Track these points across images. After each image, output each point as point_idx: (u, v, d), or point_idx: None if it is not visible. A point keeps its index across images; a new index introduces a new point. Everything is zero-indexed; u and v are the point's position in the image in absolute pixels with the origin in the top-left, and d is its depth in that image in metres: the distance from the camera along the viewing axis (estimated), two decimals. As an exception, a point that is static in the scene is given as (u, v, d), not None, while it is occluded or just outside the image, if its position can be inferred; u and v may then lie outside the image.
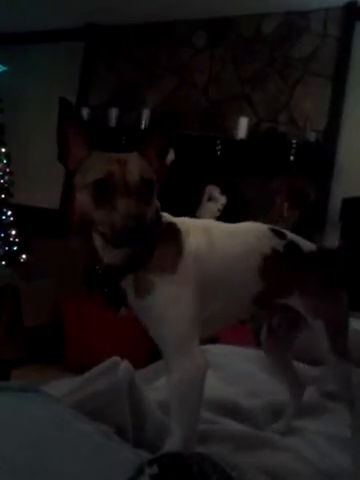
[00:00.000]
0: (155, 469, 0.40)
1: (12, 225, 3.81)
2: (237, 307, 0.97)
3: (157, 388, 1.28)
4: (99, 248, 0.85)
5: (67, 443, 0.47)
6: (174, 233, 0.86)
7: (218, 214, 3.25)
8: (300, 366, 1.36)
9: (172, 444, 0.77)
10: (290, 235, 1.02)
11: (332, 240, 3.11)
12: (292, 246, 1.00)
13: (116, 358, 1.00)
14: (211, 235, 0.90)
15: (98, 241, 0.84)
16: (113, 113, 3.79)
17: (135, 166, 0.79)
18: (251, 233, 0.97)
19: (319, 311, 0.97)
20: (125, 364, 0.98)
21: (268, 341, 1.13)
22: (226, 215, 3.18)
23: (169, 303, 0.81)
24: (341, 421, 1.24)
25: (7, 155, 3.87)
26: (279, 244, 0.97)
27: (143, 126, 3.68)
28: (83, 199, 0.79)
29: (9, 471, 0.43)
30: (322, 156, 3.17)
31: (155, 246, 0.82)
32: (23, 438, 0.49)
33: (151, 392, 1.20)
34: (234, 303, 0.94)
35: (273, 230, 1.00)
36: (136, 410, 0.94)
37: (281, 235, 1.00)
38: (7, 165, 3.85)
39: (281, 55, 3.48)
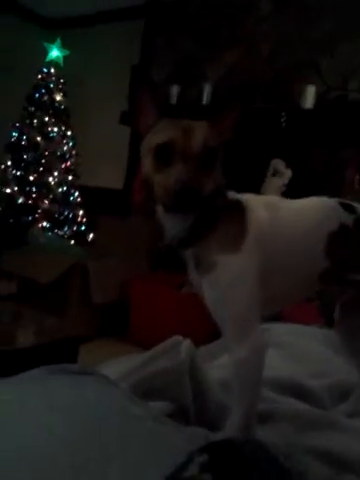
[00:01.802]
0: (205, 457, 0.38)
1: (79, 205, 3.95)
2: (302, 285, 0.93)
3: (219, 365, 1.26)
4: (161, 218, 0.85)
5: (119, 428, 0.47)
6: (239, 210, 0.84)
7: (284, 189, 3.14)
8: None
9: (232, 424, 0.76)
10: None
11: None
12: None
13: (178, 337, 1.00)
14: (276, 212, 0.87)
15: (160, 210, 0.84)
16: (174, 90, 3.75)
17: (200, 134, 0.78)
18: (316, 208, 0.93)
19: None
20: (187, 343, 0.98)
21: (341, 319, 1.07)
22: (292, 190, 3.06)
23: (231, 283, 0.79)
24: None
25: (73, 138, 3.98)
26: (349, 218, 0.92)
27: (204, 102, 3.61)
28: (146, 163, 0.80)
29: (67, 454, 0.44)
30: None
31: (217, 221, 0.81)
32: (79, 422, 0.50)
33: (213, 369, 1.19)
34: (298, 281, 0.91)
35: (343, 204, 0.94)
36: (197, 389, 0.93)
37: (351, 209, 0.94)
38: (73, 147, 3.97)
39: (351, 17, 3.24)
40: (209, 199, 0.78)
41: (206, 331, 3.07)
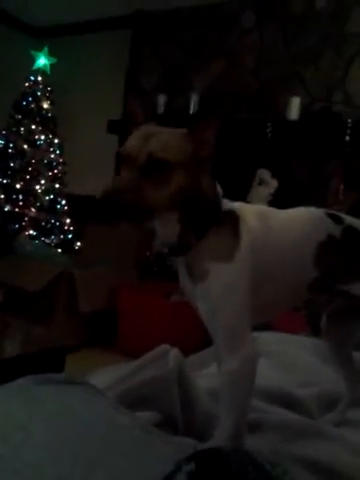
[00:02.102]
0: (192, 466, 0.39)
1: (66, 214, 3.93)
2: (291, 294, 0.94)
3: (208, 374, 1.27)
4: (155, 224, 0.84)
5: (105, 437, 0.47)
6: (232, 219, 0.84)
7: (270, 198, 3.18)
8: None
9: (221, 434, 0.77)
10: (349, 219, 0.97)
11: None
12: (351, 231, 0.95)
13: (166, 346, 1.00)
14: (267, 222, 0.88)
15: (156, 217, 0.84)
16: (161, 99, 3.78)
17: (155, 143, 0.76)
18: (306, 219, 0.94)
19: None
20: (175, 352, 0.98)
21: (328, 328, 1.09)
22: (278, 199, 3.10)
23: (223, 292, 0.80)
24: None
25: (60, 146, 3.98)
26: (336, 229, 0.93)
27: (191, 111, 3.64)
28: None
29: (52, 463, 0.44)
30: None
31: (209, 229, 0.81)
32: (65, 432, 0.50)
33: (202, 378, 1.19)
34: (288, 290, 0.92)
35: (330, 215, 0.96)
36: (185, 399, 0.94)
37: (338, 220, 0.96)
38: (60, 155, 3.96)
39: (335, 31, 3.31)
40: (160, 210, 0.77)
41: (195, 340, 3.08)
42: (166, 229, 0.82)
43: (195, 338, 3.05)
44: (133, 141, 0.78)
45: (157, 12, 4.03)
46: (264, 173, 3.23)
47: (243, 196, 3.23)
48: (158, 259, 3.62)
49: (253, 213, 0.88)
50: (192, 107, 3.64)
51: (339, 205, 2.65)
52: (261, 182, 3.23)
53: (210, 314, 0.81)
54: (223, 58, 3.74)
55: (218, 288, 0.79)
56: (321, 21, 3.36)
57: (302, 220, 0.93)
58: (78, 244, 3.88)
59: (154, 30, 4.10)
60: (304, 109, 3.25)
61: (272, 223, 0.89)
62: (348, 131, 2.97)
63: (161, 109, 3.79)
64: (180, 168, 0.77)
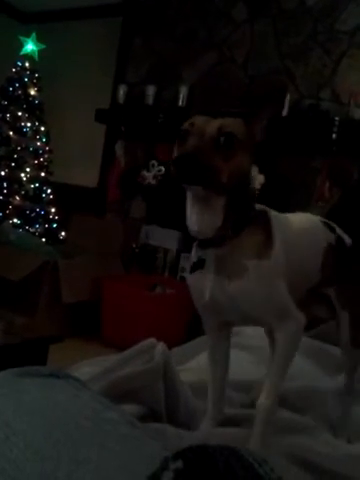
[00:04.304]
0: (180, 464, 0.39)
1: (51, 203, 3.89)
2: (297, 297, 0.97)
3: (190, 368, 1.28)
4: (187, 210, 0.83)
5: (91, 433, 0.47)
6: (264, 219, 0.86)
7: (256, 194, 3.19)
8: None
9: (271, 392, 0.84)
10: (337, 228, 1.05)
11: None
12: (340, 240, 1.03)
13: (152, 340, 1.01)
14: (290, 227, 0.91)
15: (187, 200, 0.83)
16: (150, 90, 3.75)
17: (220, 121, 0.79)
18: (315, 227, 1.00)
19: (347, 303, 1.02)
20: (161, 346, 0.98)
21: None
22: (264, 195, 3.12)
23: (264, 286, 0.82)
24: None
25: (46, 133, 3.93)
26: (332, 238, 1.01)
27: (180, 104, 3.63)
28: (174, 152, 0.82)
29: (35, 460, 0.44)
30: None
31: (246, 226, 0.82)
32: (48, 427, 0.49)
33: (184, 373, 1.20)
34: (297, 294, 0.95)
35: (325, 223, 1.03)
36: (170, 393, 0.94)
37: (332, 228, 1.03)
38: (46, 143, 3.91)
39: (325, 28, 3.32)
40: (232, 190, 0.78)
41: (178, 332, 3.10)
42: (207, 216, 0.80)
43: (178, 331, 3.07)
44: (198, 120, 0.80)
45: (148, 1, 3.99)
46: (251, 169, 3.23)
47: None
48: (143, 251, 3.61)
49: (279, 216, 0.90)
50: (181, 99, 3.63)
51: (324, 202, 2.68)
52: (248, 177, 3.23)
53: (251, 302, 0.82)
54: (213, 51, 3.72)
55: (258, 283, 0.81)
56: (312, 18, 3.36)
57: (312, 228, 0.99)
58: (63, 234, 3.85)
59: (145, 20, 4.06)
60: (293, 106, 3.26)
61: (293, 229, 0.92)
62: (335, 129, 2.99)
63: (150, 100, 3.76)
64: (242, 148, 0.79)
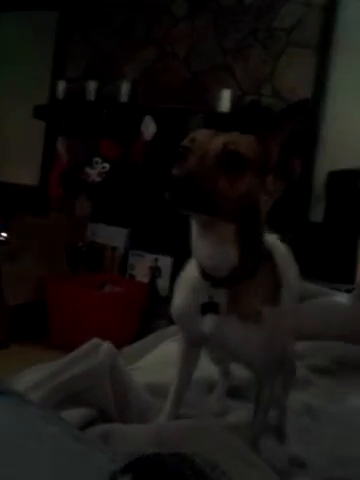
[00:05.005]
0: (129, 478, 0.37)
1: (-9, 203, 3.73)
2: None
3: (141, 367, 1.26)
4: (193, 243, 0.75)
5: (33, 451, 0.44)
6: (270, 257, 0.79)
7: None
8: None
9: (259, 424, 0.88)
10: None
11: (317, 214, 3.10)
12: None
13: (97, 340, 0.99)
14: (282, 257, 0.85)
15: (193, 231, 0.74)
16: (91, 86, 3.67)
17: (225, 137, 0.71)
18: (286, 251, 0.94)
19: None
20: (106, 346, 0.96)
21: None
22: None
23: (270, 334, 0.77)
24: (325, 394, 1.26)
25: (-17, 131, 3.75)
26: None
27: (122, 100, 3.58)
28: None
29: None
30: (307, 128, 3.12)
31: (258, 265, 0.75)
32: None
33: (136, 372, 1.19)
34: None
35: None
36: (119, 392, 0.92)
37: None
38: (-17, 141, 3.74)
39: (264, 25, 3.39)
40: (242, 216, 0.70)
41: (129, 331, 3.06)
42: (219, 251, 0.72)
43: (129, 329, 3.04)
44: (200, 136, 0.72)
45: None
46: (196, 164, 3.25)
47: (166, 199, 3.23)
48: (90, 249, 3.54)
49: (274, 246, 0.84)
50: (123, 95, 3.58)
51: (268, 195, 2.72)
52: (193, 173, 3.25)
53: (257, 350, 0.78)
54: (154, 46, 3.70)
55: (268, 331, 0.76)
56: (251, 15, 3.42)
57: (286, 252, 0.93)
58: (4, 235, 3.70)
59: (82, 14, 3.96)
60: (235, 101, 3.31)
61: (280, 254, 0.86)
62: (276, 124, 3.06)
63: (91, 96, 3.68)
64: (251, 169, 0.70)
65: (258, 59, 3.40)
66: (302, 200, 3.12)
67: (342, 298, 1.72)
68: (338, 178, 2.71)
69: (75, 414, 0.82)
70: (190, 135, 0.73)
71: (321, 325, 1.58)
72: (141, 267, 3.41)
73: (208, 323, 0.77)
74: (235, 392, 1.13)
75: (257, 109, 3.23)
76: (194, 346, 0.91)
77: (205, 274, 0.76)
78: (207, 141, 0.70)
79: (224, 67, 3.48)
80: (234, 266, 0.72)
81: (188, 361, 0.92)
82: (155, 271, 3.34)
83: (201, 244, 0.73)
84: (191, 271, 0.80)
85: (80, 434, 0.51)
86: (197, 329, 0.79)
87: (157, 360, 1.30)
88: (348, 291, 1.85)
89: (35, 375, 1.01)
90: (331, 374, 1.39)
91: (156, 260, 3.35)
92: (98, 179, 3.55)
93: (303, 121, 0.73)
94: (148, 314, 3.12)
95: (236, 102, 3.33)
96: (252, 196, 0.71)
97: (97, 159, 3.56)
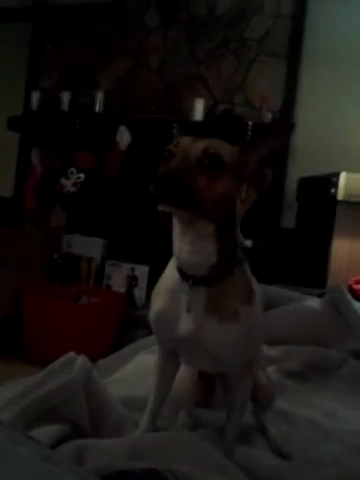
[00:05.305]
0: None
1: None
2: None
3: (117, 379, 1.26)
4: (175, 242, 0.79)
5: (4, 473, 0.43)
6: (243, 261, 0.83)
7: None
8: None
9: (233, 434, 0.89)
10: None
11: (289, 220, 3.15)
12: None
13: (72, 354, 0.98)
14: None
15: (174, 231, 0.79)
16: (65, 96, 3.67)
17: (206, 142, 0.76)
18: None
19: None
20: (81, 360, 0.96)
21: None
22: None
23: (250, 332, 0.82)
24: (299, 399, 1.27)
25: None
26: None
27: (97, 110, 3.58)
28: None
29: None
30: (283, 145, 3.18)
31: (234, 265, 0.80)
32: None
33: (112, 384, 1.18)
34: None
35: None
36: (94, 406, 0.92)
37: None
38: None
39: (235, 35, 3.45)
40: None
41: (106, 343, 3.03)
42: (199, 249, 0.76)
43: (106, 340, 3.02)
44: (183, 141, 0.77)
45: (58, 6, 3.89)
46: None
47: (151, 195, 3.24)
48: (65, 261, 3.51)
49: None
50: (98, 105, 3.58)
51: (242, 204, 2.76)
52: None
53: (236, 348, 0.82)
54: (128, 57, 3.72)
55: (248, 331, 0.81)
56: (222, 25, 3.47)
57: None
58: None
59: (55, 25, 3.96)
60: (208, 110, 3.35)
61: None
62: (249, 133, 3.11)
63: (65, 106, 3.67)
64: (229, 172, 0.75)
65: (230, 68, 3.46)
66: (274, 206, 3.17)
67: (314, 303, 1.75)
68: (309, 184, 2.76)
69: (48, 431, 0.82)
70: (175, 141, 0.78)
71: (294, 330, 1.60)
72: (118, 277, 3.40)
73: (187, 324, 0.80)
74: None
75: (229, 118, 3.28)
76: (171, 357, 0.91)
77: (184, 275, 0.79)
78: (189, 145, 0.76)
79: (197, 77, 3.52)
80: (213, 264, 0.77)
81: (166, 374, 0.93)
82: (132, 280, 3.34)
83: (182, 242, 0.77)
84: (170, 275, 0.83)
85: (51, 454, 0.51)
86: (176, 332, 0.81)
87: (133, 372, 1.30)
88: (319, 296, 1.87)
89: (8, 392, 1.00)
90: (305, 379, 1.40)
91: (133, 269, 3.35)
92: (73, 190, 3.53)
93: (282, 140, 0.80)
94: (125, 324, 3.10)
95: (209, 111, 3.37)
96: (229, 198, 0.77)
97: (72, 169, 3.54)
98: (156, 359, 0.93)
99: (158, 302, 0.85)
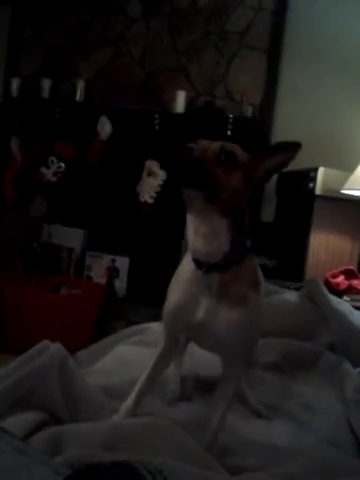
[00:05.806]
0: None
1: None
2: None
3: (97, 370, 1.27)
4: (188, 233, 0.85)
5: None
6: (251, 251, 0.91)
7: (158, 189, 3.23)
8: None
9: (221, 421, 0.93)
10: None
11: (268, 214, 3.20)
12: None
13: (46, 342, 0.98)
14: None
15: (188, 221, 0.85)
16: (46, 84, 3.61)
17: (222, 142, 0.84)
18: None
19: None
20: (55, 346, 0.96)
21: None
22: (166, 190, 3.17)
23: (256, 318, 0.91)
24: (277, 391, 1.30)
25: None
26: None
27: (78, 98, 3.55)
28: None
29: None
30: (258, 131, 3.21)
31: (244, 254, 0.87)
32: None
33: (92, 374, 1.19)
34: None
35: None
36: (70, 393, 0.93)
37: None
38: None
39: (217, 28, 3.45)
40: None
41: (87, 332, 3.04)
42: (214, 239, 0.83)
43: (87, 331, 3.02)
44: (202, 141, 0.84)
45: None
46: (153, 164, 3.27)
47: (132, 187, 3.25)
48: (46, 251, 3.49)
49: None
50: (79, 94, 3.55)
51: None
52: (150, 173, 3.27)
53: (241, 332, 0.88)
54: (110, 46, 3.68)
55: (254, 315, 0.89)
56: (204, 18, 3.47)
57: None
58: None
59: (36, 10, 3.88)
60: (189, 102, 3.35)
61: None
62: (229, 126, 3.13)
63: (46, 94, 3.62)
64: (242, 170, 0.83)
65: (212, 61, 3.46)
66: (254, 200, 3.20)
67: (291, 296, 1.78)
68: (288, 179, 2.80)
69: (22, 420, 0.82)
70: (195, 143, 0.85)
71: (271, 323, 1.63)
72: (98, 268, 3.40)
73: (202, 309, 0.87)
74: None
75: (211, 110, 3.29)
76: (172, 348, 1.00)
77: (199, 263, 0.86)
78: (208, 143, 0.84)
79: (179, 68, 3.51)
80: (226, 252, 0.83)
81: (160, 365, 0.99)
82: (112, 272, 3.34)
83: (196, 235, 0.83)
84: (185, 268, 0.91)
85: (23, 446, 0.51)
86: (191, 318, 0.88)
87: (112, 363, 1.32)
88: (297, 289, 1.91)
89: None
90: (282, 371, 1.43)
91: (113, 261, 3.35)
92: (54, 179, 3.50)
93: (288, 161, 0.87)
94: (106, 315, 3.11)
95: (190, 103, 3.37)
96: (241, 193, 0.84)
97: (52, 159, 3.51)
98: (156, 350, 0.99)
99: (175, 293, 0.92)
